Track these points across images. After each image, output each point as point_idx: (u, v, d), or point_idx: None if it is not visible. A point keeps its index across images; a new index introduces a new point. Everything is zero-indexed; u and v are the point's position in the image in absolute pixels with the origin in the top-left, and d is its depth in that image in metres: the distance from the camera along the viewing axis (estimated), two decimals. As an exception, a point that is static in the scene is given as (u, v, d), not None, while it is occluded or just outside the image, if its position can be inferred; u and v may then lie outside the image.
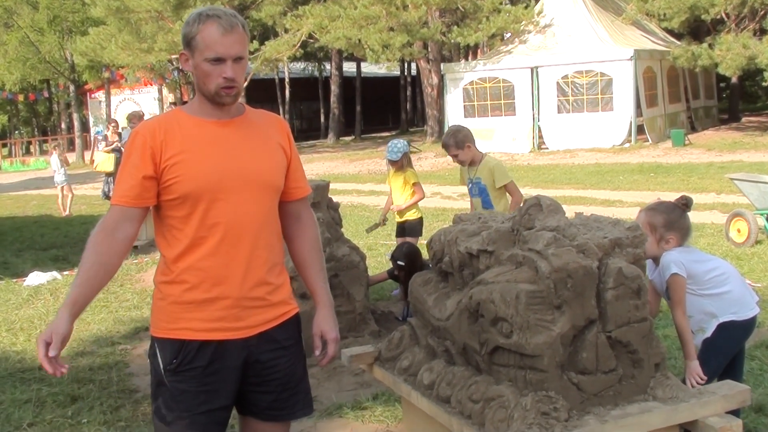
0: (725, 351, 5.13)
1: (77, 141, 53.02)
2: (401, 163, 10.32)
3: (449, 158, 8.64)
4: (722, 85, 47.65)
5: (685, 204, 5.19)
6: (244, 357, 3.66)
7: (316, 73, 63.18)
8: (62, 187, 22.54)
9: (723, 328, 5.02)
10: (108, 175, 20.73)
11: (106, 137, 22.66)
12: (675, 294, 4.97)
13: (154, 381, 3.71)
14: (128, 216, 3.56)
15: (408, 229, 10.42)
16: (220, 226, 3.57)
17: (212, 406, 3.64)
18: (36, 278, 12.53)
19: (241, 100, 3.77)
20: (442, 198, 20.60)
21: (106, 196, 20.74)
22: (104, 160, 20.65)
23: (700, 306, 5.04)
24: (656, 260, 5.12)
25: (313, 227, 3.99)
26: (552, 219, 3.87)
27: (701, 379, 4.72)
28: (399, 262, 9.16)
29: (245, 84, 28.52)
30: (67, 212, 22.37)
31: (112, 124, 22.34)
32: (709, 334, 5.05)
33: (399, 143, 10.41)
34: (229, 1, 37.21)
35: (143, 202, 3.57)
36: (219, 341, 3.61)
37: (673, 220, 5.11)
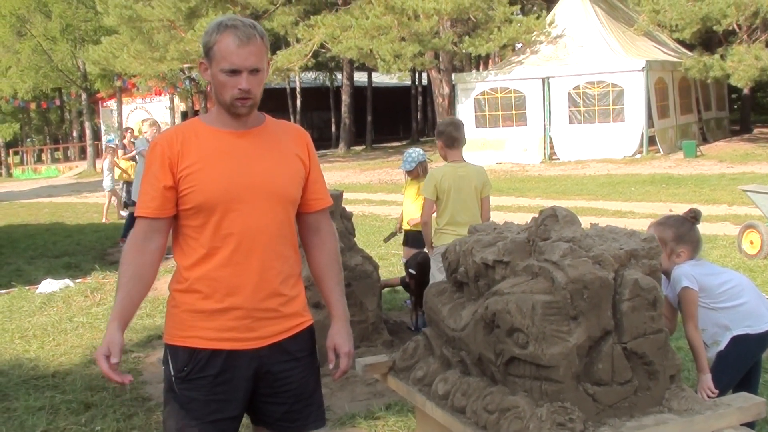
0: (739, 364, 5.13)
1: (89, 149, 53.13)
2: (416, 173, 10.27)
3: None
4: (734, 96, 47.57)
5: (693, 217, 5.19)
6: (254, 368, 3.67)
7: (328, 83, 63.24)
8: (109, 192, 22.52)
9: (737, 341, 5.02)
10: (126, 182, 20.91)
11: (125, 146, 22.73)
12: (687, 307, 4.97)
13: (165, 387, 3.73)
14: (155, 227, 3.61)
15: (412, 240, 10.41)
16: (233, 237, 3.59)
17: (221, 416, 3.64)
18: (48, 286, 12.56)
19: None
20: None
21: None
22: (127, 169, 20.82)
23: (713, 319, 5.04)
24: (668, 275, 5.12)
25: (332, 239, 3.98)
26: (568, 230, 3.87)
27: (712, 393, 4.72)
28: (410, 270, 9.15)
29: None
30: (104, 219, 22.36)
31: (129, 132, 22.35)
32: (722, 347, 5.04)
33: (414, 152, 10.35)
34: (241, 11, 37.33)
35: (166, 212, 3.60)
36: (229, 351, 3.61)
37: (683, 233, 5.12)
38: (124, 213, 22.49)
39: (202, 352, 3.60)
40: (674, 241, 5.09)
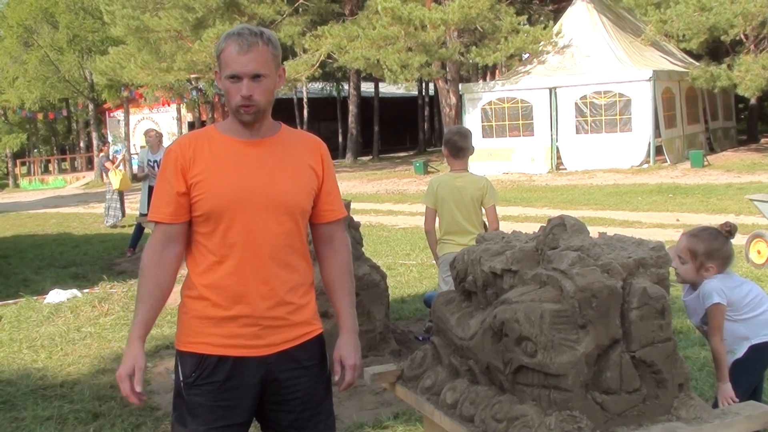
0: (756, 371, 5.16)
1: (96, 160, 53.19)
2: None
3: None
4: (741, 106, 47.55)
5: (728, 231, 5.12)
6: (262, 375, 3.69)
7: (335, 93, 63.26)
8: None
9: (755, 349, 5.04)
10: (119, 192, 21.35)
11: (108, 158, 23.05)
12: (715, 321, 4.96)
13: (174, 393, 3.77)
14: (171, 235, 3.63)
15: None
16: (238, 246, 3.62)
17: (228, 422, 3.67)
18: (56, 296, 12.55)
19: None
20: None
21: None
22: (123, 180, 21.02)
23: (732, 330, 5.04)
24: (693, 285, 5.12)
25: (345, 251, 3.99)
26: (576, 239, 3.88)
27: (734, 401, 4.72)
28: None
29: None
30: None
31: (107, 146, 22.86)
32: (740, 355, 5.05)
33: None
34: (248, 21, 37.35)
35: (180, 218, 3.63)
36: (236, 357, 3.64)
37: (715, 248, 5.06)
38: (108, 223, 22.72)
39: (210, 358, 3.63)
40: (704, 256, 5.05)
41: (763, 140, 41.63)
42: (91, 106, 55.24)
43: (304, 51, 40.15)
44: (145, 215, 15.53)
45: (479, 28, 37.32)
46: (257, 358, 3.66)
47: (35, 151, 72.44)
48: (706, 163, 31.41)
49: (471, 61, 38.65)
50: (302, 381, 3.78)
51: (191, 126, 53.58)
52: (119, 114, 56.29)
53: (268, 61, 3.62)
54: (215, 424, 3.64)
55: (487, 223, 8.05)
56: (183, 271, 3.72)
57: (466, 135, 8.05)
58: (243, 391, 3.67)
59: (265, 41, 3.61)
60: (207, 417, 3.64)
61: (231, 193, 3.59)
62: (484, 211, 7.99)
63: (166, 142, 18.32)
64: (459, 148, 7.91)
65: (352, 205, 9.05)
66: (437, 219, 8.09)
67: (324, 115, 63.09)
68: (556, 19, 39.90)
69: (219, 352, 3.63)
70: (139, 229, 17.06)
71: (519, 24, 37.11)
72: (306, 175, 3.78)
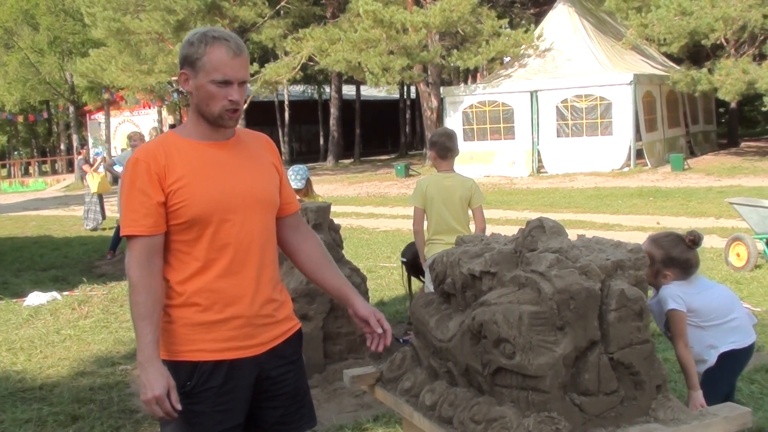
0: (728, 378, 5.16)
1: (76, 162, 53.02)
2: (306, 190, 10.26)
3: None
4: (721, 110, 47.75)
5: (692, 240, 5.05)
6: (256, 374, 3.71)
7: (316, 96, 63.20)
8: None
9: (724, 357, 5.02)
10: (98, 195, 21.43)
11: (86, 160, 23.05)
12: (675, 327, 4.95)
13: None
14: (155, 246, 3.55)
15: None
16: (229, 247, 3.61)
17: (227, 426, 3.67)
18: (36, 298, 12.51)
19: (241, 122, 3.81)
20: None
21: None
22: (101, 183, 21.03)
23: (701, 339, 5.00)
24: (656, 287, 5.12)
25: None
26: (555, 241, 3.88)
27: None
28: (403, 259, 9.47)
29: (244, 107, 28.44)
30: None
31: (85, 148, 22.91)
32: (711, 363, 5.04)
33: (300, 170, 10.17)
34: (229, 24, 37.35)
35: (161, 229, 3.57)
36: (232, 360, 3.64)
37: (673, 256, 5.03)
38: (89, 226, 22.63)
39: (206, 365, 3.61)
40: (662, 263, 5.02)
41: (743, 144, 41.79)
42: (71, 109, 55.07)
43: (286, 53, 40.18)
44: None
45: (461, 31, 37.42)
46: (251, 359, 3.68)
47: (15, 153, 72.12)
48: (686, 166, 31.51)
49: (452, 64, 38.78)
50: (290, 376, 3.84)
51: (172, 129, 53.30)
52: (100, 116, 56.02)
53: (248, 68, 3.66)
54: (214, 429, 3.64)
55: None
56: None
57: (452, 136, 8.15)
58: (239, 393, 3.67)
59: (244, 47, 3.64)
60: (206, 424, 3.62)
61: (217, 195, 3.58)
62: (470, 212, 8.04)
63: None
64: (447, 149, 7.96)
65: (333, 208, 9.00)
66: (425, 220, 8.12)
67: (305, 118, 63.06)
68: (537, 23, 40.02)
69: (215, 357, 3.61)
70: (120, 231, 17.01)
71: (500, 27, 37.24)
72: (272, 173, 3.85)
